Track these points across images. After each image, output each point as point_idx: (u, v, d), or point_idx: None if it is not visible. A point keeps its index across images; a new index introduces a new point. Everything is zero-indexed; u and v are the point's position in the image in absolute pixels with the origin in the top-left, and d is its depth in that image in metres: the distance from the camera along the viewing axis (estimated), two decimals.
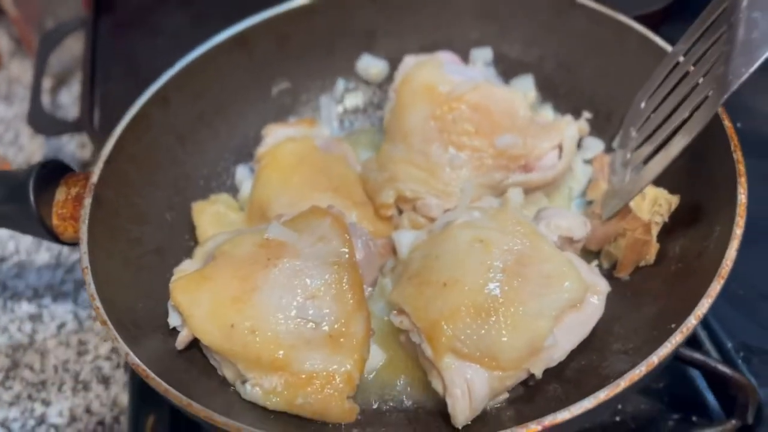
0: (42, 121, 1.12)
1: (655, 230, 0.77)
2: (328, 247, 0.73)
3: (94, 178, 0.77)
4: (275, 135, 0.91)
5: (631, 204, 0.79)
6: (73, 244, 0.79)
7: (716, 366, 0.69)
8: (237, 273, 0.71)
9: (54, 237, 0.76)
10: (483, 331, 0.67)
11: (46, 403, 0.91)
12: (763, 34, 0.63)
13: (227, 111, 0.97)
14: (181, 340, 0.73)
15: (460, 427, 0.67)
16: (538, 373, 0.69)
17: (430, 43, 0.99)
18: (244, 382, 0.71)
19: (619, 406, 0.80)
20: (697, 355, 0.69)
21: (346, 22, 1.00)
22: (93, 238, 0.73)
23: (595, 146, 0.93)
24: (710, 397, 0.81)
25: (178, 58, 0.93)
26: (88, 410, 0.90)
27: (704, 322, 0.83)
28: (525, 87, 0.98)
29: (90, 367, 0.94)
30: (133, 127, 0.83)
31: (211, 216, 0.87)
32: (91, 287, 0.69)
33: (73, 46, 1.35)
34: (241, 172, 0.96)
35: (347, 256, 0.73)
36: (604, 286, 0.73)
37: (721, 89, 0.66)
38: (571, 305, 0.70)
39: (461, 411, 0.67)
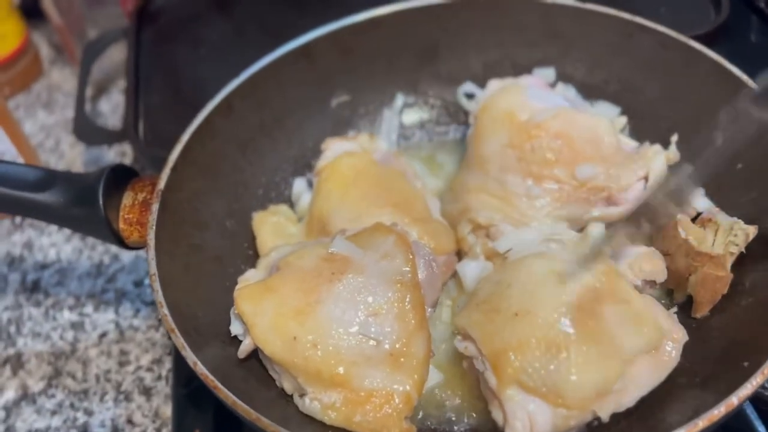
0: (87, 131, 1.16)
1: (729, 262, 0.77)
2: (391, 264, 0.75)
3: (162, 184, 0.80)
4: (334, 149, 0.94)
5: (691, 240, 0.78)
6: (137, 248, 0.81)
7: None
8: (301, 285, 0.74)
9: (120, 241, 0.79)
10: (552, 367, 0.68)
11: (89, 412, 0.93)
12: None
13: (287, 122, 1.00)
14: (244, 350, 0.75)
15: None
16: (605, 416, 0.70)
17: (493, 60, 1.04)
18: (302, 395, 0.73)
19: None
20: None
21: (408, 38, 1.03)
22: (159, 243, 0.77)
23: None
24: (762, 429, 0.80)
25: (218, 68, 0.97)
26: (129, 421, 0.91)
27: None
28: (610, 112, 0.99)
29: (132, 378, 0.96)
30: (198, 135, 0.87)
31: (271, 227, 0.90)
32: (159, 294, 0.72)
33: (113, 56, 1.39)
34: (299, 185, 0.99)
35: (410, 275, 0.76)
36: (681, 335, 0.73)
37: None
38: (646, 351, 0.71)
39: None
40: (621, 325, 0.70)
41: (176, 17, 1.41)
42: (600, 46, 0.99)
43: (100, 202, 0.77)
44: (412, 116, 1.09)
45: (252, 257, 0.89)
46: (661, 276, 0.77)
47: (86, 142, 1.20)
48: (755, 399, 0.69)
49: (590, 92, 1.01)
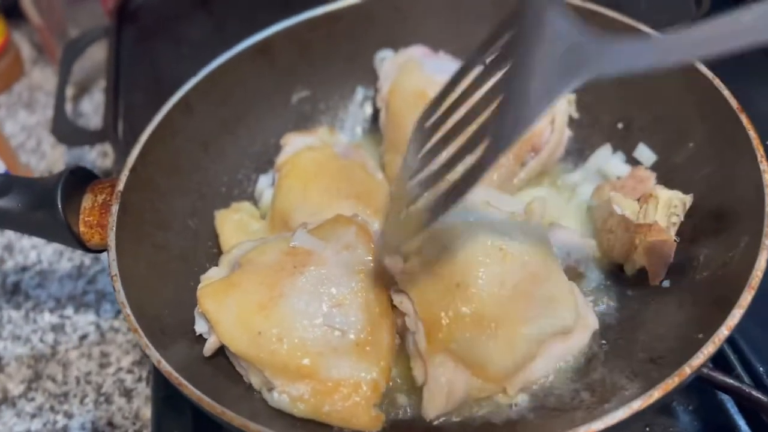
0: (66, 131, 1.16)
1: (672, 230, 0.80)
2: (353, 255, 0.76)
3: (121, 185, 0.79)
4: (294, 143, 0.95)
5: (628, 214, 0.81)
6: (99, 251, 0.81)
7: (749, 392, 0.68)
8: (264, 280, 0.74)
9: (81, 244, 0.79)
10: (480, 341, 0.70)
11: (69, 415, 0.93)
12: (542, 87, 0.51)
13: (248, 118, 1.00)
14: (209, 347, 0.76)
15: (428, 420, 0.71)
16: (512, 391, 0.72)
17: (454, 49, 1.01)
18: (270, 389, 0.73)
19: (647, 429, 0.79)
20: (729, 380, 0.69)
21: (367, 31, 1.03)
22: (120, 244, 0.77)
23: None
24: (742, 424, 0.80)
25: (200, 66, 0.96)
26: (110, 423, 0.91)
27: (735, 346, 0.83)
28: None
29: (112, 380, 0.96)
30: (157, 134, 0.87)
31: (234, 224, 0.90)
32: (121, 294, 0.72)
33: (95, 55, 1.38)
34: (262, 182, 0.99)
35: (372, 264, 0.76)
36: (593, 323, 0.76)
37: (491, 150, 0.54)
38: (561, 333, 0.74)
39: (435, 406, 0.71)
40: (546, 306, 0.72)
41: (157, 15, 1.40)
42: None
43: (59, 205, 0.77)
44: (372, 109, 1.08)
45: (216, 255, 0.89)
46: (583, 265, 0.82)
47: (66, 143, 1.20)
48: (735, 394, 0.69)
49: None
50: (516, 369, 0.71)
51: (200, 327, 0.76)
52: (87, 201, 0.79)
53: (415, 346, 0.73)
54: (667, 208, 0.80)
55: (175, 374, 0.67)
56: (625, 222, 0.81)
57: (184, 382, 0.66)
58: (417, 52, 0.99)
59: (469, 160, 0.57)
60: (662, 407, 0.80)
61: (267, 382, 0.73)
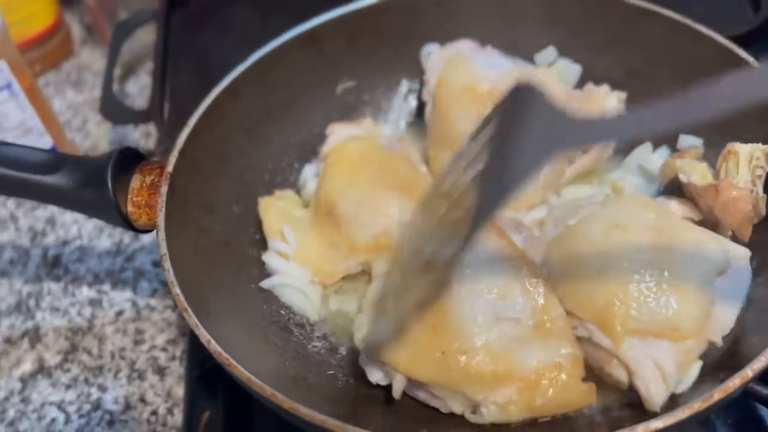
0: (113, 110, 1.17)
1: (759, 183, 0.77)
2: (488, 247, 0.74)
3: (170, 167, 0.80)
4: (339, 133, 0.95)
5: (694, 179, 0.79)
6: (146, 231, 0.82)
7: None
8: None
9: (128, 223, 0.79)
10: (655, 304, 0.69)
11: (102, 388, 0.94)
12: (513, 172, 0.54)
13: (293, 107, 1.00)
14: (397, 389, 0.72)
15: (658, 410, 0.67)
16: (719, 340, 0.71)
17: (498, 47, 1.01)
18: (475, 408, 0.70)
19: None
20: None
21: (413, 24, 1.03)
22: (168, 226, 0.77)
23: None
24: None
25: (246, 54, 0.96)
26: (142, 399, 0.92)
27: None
28: (550, 58, 1.01)
29: (146, 357, 0.97)
30: (205, 118, 0.87)
31: (277, 211, 0.90)
32: (171, 274, 0.72)
33: (143, 37, 1.40)
34: (307, 171, 0.99)
35: (510, 249, 0.75)
36: (745, 252, 0.75)
37: (476, 221, 0.56)
38: (718, 273, 0.72)
39: (656, 391, 0.68)
40: (691, 251, 0.71)
41: (206, 2, 1.41)
42: (605, 32, 0.97)
43: (109, 184, 0.77)
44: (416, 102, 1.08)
45: (258, 241, 0.90)
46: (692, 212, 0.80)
47: (112, 121, 1.22)
48: (751, 395, 0.67)
49: (595, 78, 0.98)
50: (705, 315, 0.70)
51: (374, 376, 0.73)
52: (135, 181, 0.80)
53: (599, 349, 0.71)
54: (748, 162, 0.78)
55: (225, 354, 0.67)
56: (693, 188, 0.79)
57: (234, 362, 0.66)
58: (465, 46, 0.98)
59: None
60: (702, 420, 0.79)
61: (469, 402, 0.70)
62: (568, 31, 1.01)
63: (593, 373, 0.73)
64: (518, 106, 0.56)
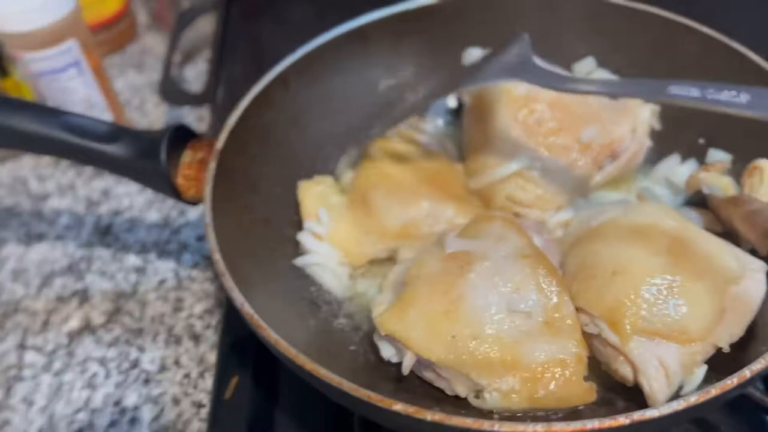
0: (171, 92, 1.25)
1: None
2: (509, 245, 0.78)
3: (219, 144, 0.85)
4: (379, 128, 1.00)
5: (716, 191, 0.82)
6: (193, 202, 0.87)
7: None
8: (436, 288, 0.75)
9: (177, 195, 0.85)
10: (664, 306, 0.71)
11: (141, 349, 1.00)
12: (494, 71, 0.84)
13: (337, 100, 1.05)
14: (406, 366, 0.76)
15: (659, 407, 0.67)
16: (725, 345, 0.72)
17: (537, 54, 1.03)
18: (479, 393, 0.74)
19: None
20: None
21: (457, 27, 1.06)
22: (214, 199, 0.83)
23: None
24: None
25: (299, 46, 1.02)
26: (177, 362, 0.98)
27: None
28: (588, 68, 1.04)
29: (183, 324, 1.03)
30: (255, 103, 0.93)
31: (316, 195, 0.95)
32: (213, 240, 0.78)
33: (202, 26, 1.47)
34: (345, 161, 1.05)
35: (530, 248, 0.78)
36: (759, 265, 0.76)
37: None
38: (733, 281, 0.74)
39: (659, 388, 0.70)
40: (707, 261, 0.74)
41: None
42: (643, 46, 1.00)
43: (163, 157, 0.83)
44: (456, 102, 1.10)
45: (296, 222, 0.95)
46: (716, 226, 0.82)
47: (170, 102, 1.30)
48: (758, 405, 0.70)
49: None
50: (715, 321, 0.72)
51: (386, 352, 0.77)
52: (186, 156, 0.86)
53: (606, 345, 0.74)
54: None
55: (257, 317, 0.71)
56: (715, 199, 0.81)
57: (264, 324, 0.70)
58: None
59: None
60: (707, 427, 0.81)
61: (474, 386, 0.73)
62: (608, 42, 1.03)
63: (600, 368, 0.76)
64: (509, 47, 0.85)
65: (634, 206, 0.83)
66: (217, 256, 0.76)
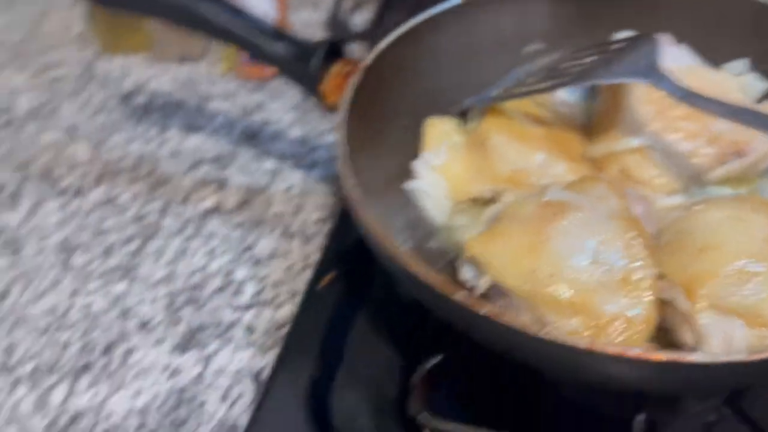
0: (337, 28, 1.36)
1: None
2: (608, 205, 0.81)
3: (368, 62, 0.94)
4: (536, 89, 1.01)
5: None
6: (331, 109, 0.97)
7: None
8: (527, 228, 0.80)
9: (320, 98, 0.96)
10: (746, 288, 0.72)
11: (258, 237, 1.13)
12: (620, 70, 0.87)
13: (482, 54, 1.10)
14: (482, 287, 0.81)
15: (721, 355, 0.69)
16: None
17: (695, 47, 1.03)
18: (542, 327, 0.76)
19: None
20: None
21: (613, 10, 1.08)
22: (350, 111, 0.90)
23: None
24: None
25: None
26: (285, 255, 1.10)
27: None
28: (738, 70, 1.02)
29: (298, 225, 1.15)
30: (405, 37, 1.00)
31: (439, 131, 1.02)
32: (341, 144, 0.85)
33: None
34: (474, 110, 1.07)
35: (627, 212, 0.81)
36: None
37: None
38: None
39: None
40: None
41: None
42: None
43: (316, 63, 0.94)
44: None
45: (414, 154, 1.01)
46: None
47: (335, 37, 1.41)
48: None
49: None
50: None
51: (467, 273, 0.81)
52: (336, 68, 0.95)
53: (676, 315, 0.75)
54: None
55: (357, 191, 0.77)
56: None
57: (365, 212, 0.75)
58: (661, 37, 0.99)
59: None
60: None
61: (539, 320, 0.76)
62: (766, 47, 1.01)
63: (665, 339, 0.77)
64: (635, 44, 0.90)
65: (744, 197, 0.83)
66: (341, 150, 0.84)
